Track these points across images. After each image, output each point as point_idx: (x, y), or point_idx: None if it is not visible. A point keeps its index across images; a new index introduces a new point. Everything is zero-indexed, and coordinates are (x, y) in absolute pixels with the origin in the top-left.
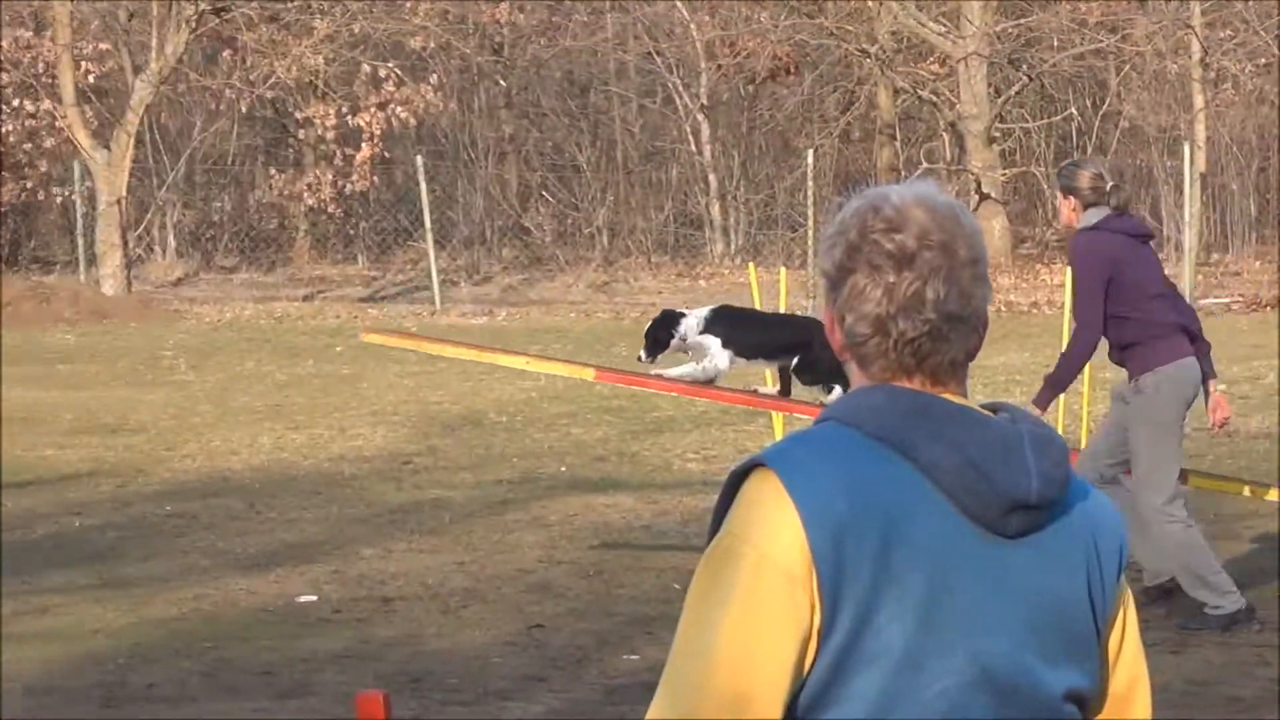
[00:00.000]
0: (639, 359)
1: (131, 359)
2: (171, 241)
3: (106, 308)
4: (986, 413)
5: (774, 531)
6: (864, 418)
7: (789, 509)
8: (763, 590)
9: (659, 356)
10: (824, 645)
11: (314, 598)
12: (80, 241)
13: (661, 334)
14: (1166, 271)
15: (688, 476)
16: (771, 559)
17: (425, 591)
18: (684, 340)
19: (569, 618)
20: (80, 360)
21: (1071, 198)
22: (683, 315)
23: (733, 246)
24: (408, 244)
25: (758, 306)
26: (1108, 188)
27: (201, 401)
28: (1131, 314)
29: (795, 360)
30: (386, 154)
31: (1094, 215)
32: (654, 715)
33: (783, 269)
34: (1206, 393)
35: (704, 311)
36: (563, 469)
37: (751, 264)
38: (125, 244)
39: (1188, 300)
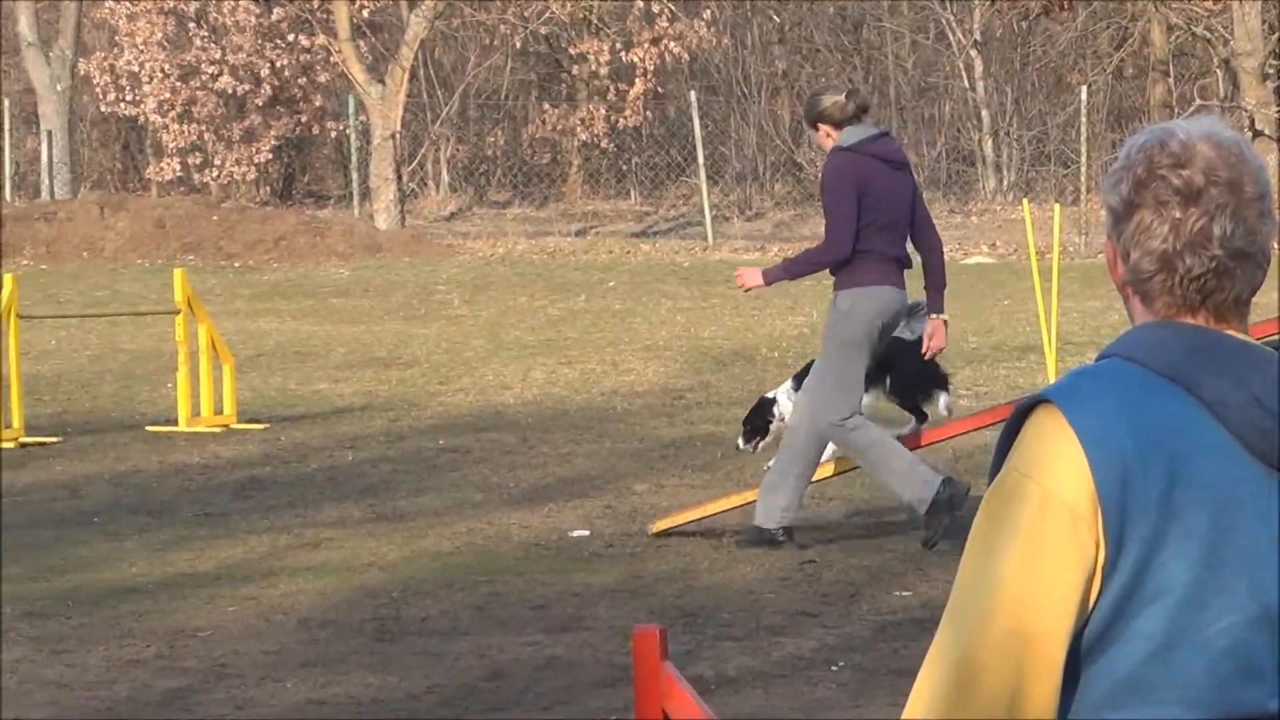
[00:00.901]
0: (736, 449)
1: (404, 293)
2: (445, 176)
3: (380, 242)
4: (1269, 350)
5: (1059, 468)
6: (1148, 354)
7: (1074, 446)
8: (1048, 527)
9: (761, 443)
10: (1107, 583)
11: (586, 532)
12: (354, 176)
13: (759, 421)
14: None
15: (960, 411)
16: (1057, 496)
17: (697, 527)
18: (784, 420)
19: (840, 553)
20: (354, 294)
21: (821, 125)
22: (773, 400)
23: (1005, 183)
24: (680, 179)
25: (1030, 242)
26: (851, 107)
27: (474, 336)
28: (858, 235)
29: (887, 383)
30: (659, 89)
31: (851, 135)
32: (937, 650)
33: (1056, 205)
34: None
35: (787, 383)
36: None
37: (1025, 200)
38: (399, 179)
39: None
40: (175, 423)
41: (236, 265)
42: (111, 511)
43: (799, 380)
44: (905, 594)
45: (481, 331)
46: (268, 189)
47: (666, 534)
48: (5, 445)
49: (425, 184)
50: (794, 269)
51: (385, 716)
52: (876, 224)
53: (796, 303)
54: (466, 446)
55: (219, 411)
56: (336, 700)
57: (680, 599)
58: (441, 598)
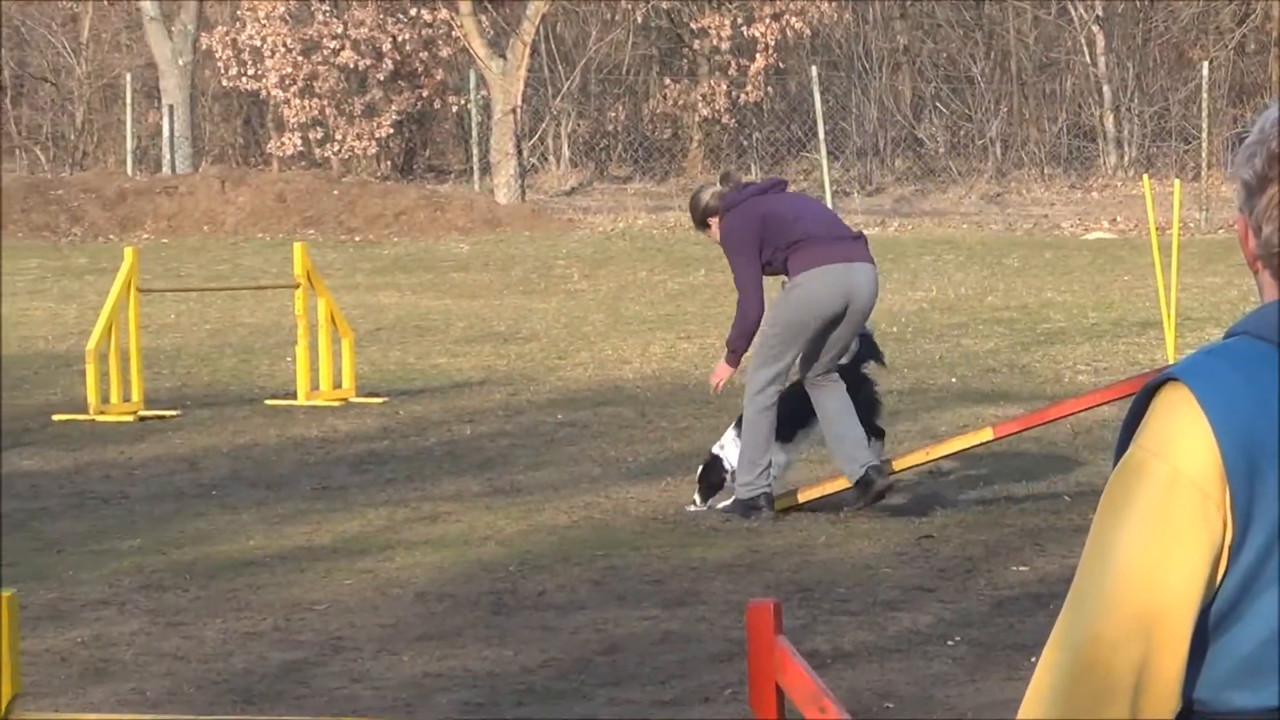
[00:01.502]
0: (692, 507)
1: (524, 268)
2: (565, 151)
3: (500, 217)
4: None
5: (1187, 446)
6: (1277, 331)
7: (1202, 424)
8: (1175, 506)
9: (715, 501)
10: (1234, 563)
11: (704, 507)
12: (474, 151)
13: (713, 479)
14: None
15: (1078, 388)
16: (1185, 474)
17: (815, 501)
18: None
19: (958, 528)
20: (473, 269)
21: (709, 220)
22: (719, 454)
23: (1126, 158)
24: (800, 154)
25: (1150, 218)
26: (717, 188)
27: (593, 310)
28: (785, 246)
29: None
30: (780, 64)
31: (727, 199)
32: (1061, 628)
33: (1176, 181)
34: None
35: (730, 432)
36: (953, 380)
37: (1145, 176)
38: (519, 153)
39: None
40: (294, 396)
41: (356, 240)
42: (229, 485)
43: (739, 425)
44: (1022, 569)
45: (601, 306)
46: (388, 164)
47: (785, 510)
48: (124, 418)
49: (545, 159)
50: (737, 344)
51: (501, 689)
52: (797, 236)
53: (916, 278)
54: (584, 421)
55: (338, 385)
56: (452, 673)
57: (796, 573)
58: (558, 571)
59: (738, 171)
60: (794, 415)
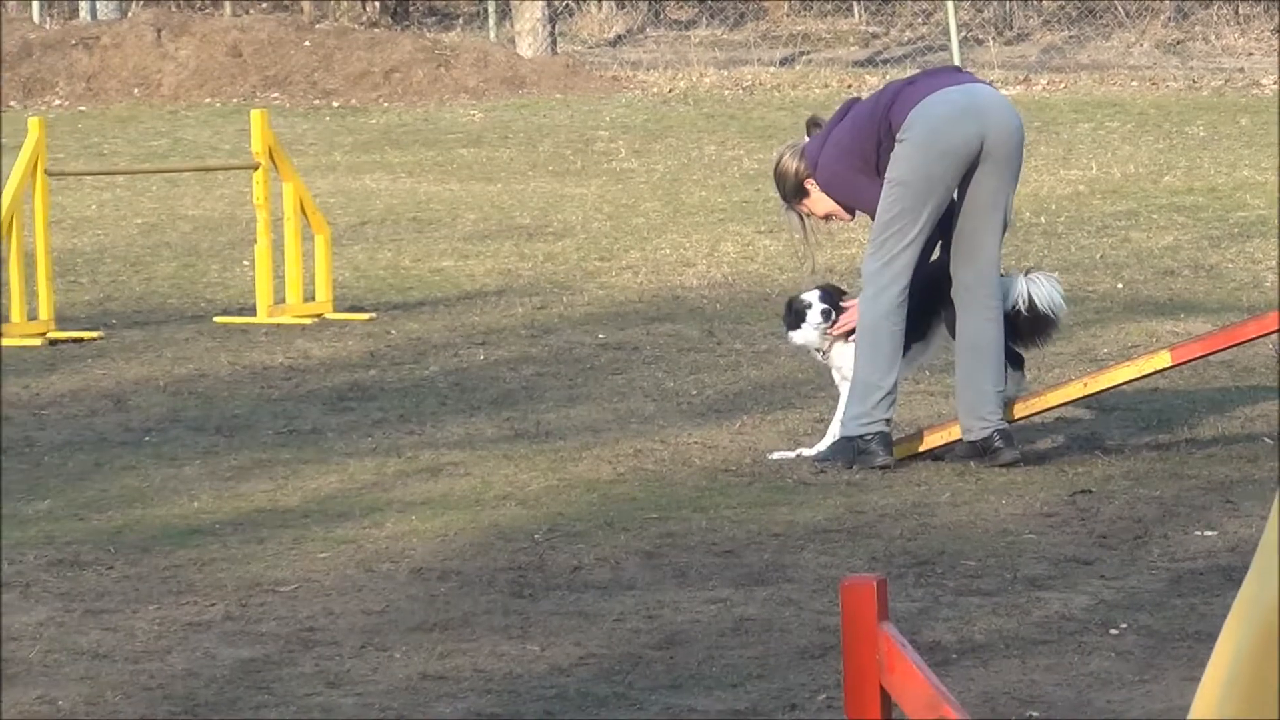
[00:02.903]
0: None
1: (555, 141)
2: None
3: (523, 74)
4: None
5: None
6: None
7: None
8: None
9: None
10: None
11: (791, 454)
12: None
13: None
14: None
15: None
16: None
17: (939, 448)
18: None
19: (1124, 482)
20: (489, 143)
21: (807, 183)
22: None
23: None
24: None
25: None
26: (798, 143)
27: (646, 197)
28: (885, 115)
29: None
30: None
31: (813, 159)
32: (1247, 593)
33: None
34: None
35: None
36: (1119, 286)
37: None
38: None
39: None
40: (252, 312)
41: (335, 105)
42: (167, 429)
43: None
44: (1209, 534)
45: (656, 192)
46: (376, 5)
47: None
48: (29, 342)
49: None
50: None
51: (523, 695)
52: (889, 99)
53: (1070, 152)
54: (635, 342)
55: (309, 298)
56: (459, 675)
57: (912, 542)
58: (599, 541)
59: (822, 119)
60: (914, 316)
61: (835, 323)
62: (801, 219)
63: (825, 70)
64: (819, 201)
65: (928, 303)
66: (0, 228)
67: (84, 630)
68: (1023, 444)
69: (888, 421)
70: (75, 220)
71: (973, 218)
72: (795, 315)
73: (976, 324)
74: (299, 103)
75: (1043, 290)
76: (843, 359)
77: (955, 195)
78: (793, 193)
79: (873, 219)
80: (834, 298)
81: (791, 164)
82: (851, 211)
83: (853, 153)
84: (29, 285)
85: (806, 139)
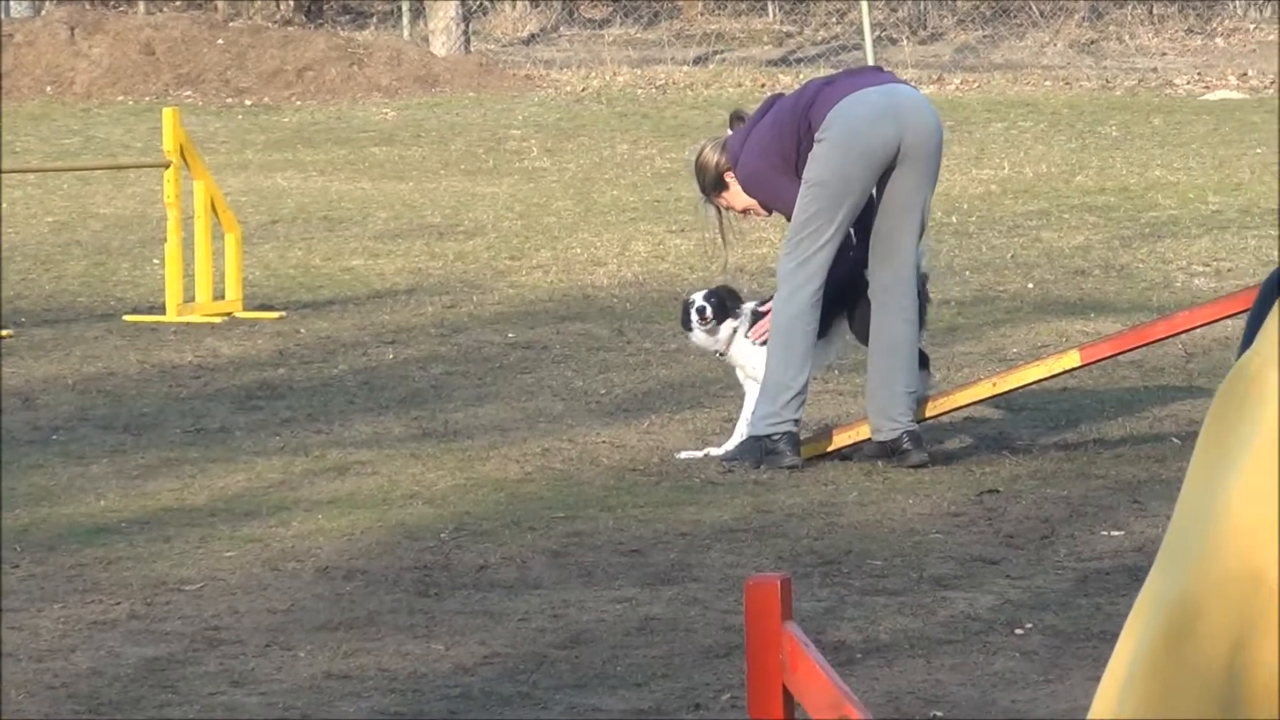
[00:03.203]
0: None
1: (467, 140)
2: None
3: (436, 73)
4: None
5: None
6: None
7: None
8: None
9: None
10: None
11: (699, 454)
12: None
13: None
14: None
15: (1194, 295)
16: None
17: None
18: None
19: (1031, 481)
20: (401, 142)
21: (727, 176)
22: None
23: None
24: None
25: None
26: (720, 138)
27: (558, 196)
28: (804, 113)
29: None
30: None
31: (734, 153)
32: (1148, 591)
33: None
34: None
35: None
36: (1030, 285)
37: None
38: None
39: None
40: (162, 311)
41: (248, 104)
42: (75, 427)
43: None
44: (1115, 534)
45: (568, 191)
46: (290, 3)
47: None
48: None
49: None
50: None
51: (427, 694)
52: (809, 99)
53: (983, 152)
54: (544, 341)
55: (219, 296)
56: (363, 674)
57: (819, 541)
58: (505, 540)
59: (745, 112)
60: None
61: (718, 322)
62: (719, 213)
63: (739, 69)
64: (737, 196)
65: (834, 303)
66: None
67: None
68: (931, 444)
69: (796, 422)
70: None
71: (890, 218)
72: (683, 314)
73: (893, 324)
74: (211, 101)
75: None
76: (744, 358)
77: (874, 195)
78: (712, 185)
79: (789, 219)
80: (720, 297)
81: (712, 157)
82: (769, 209)
83: (772, 151)
84: None
85: (729, 132)
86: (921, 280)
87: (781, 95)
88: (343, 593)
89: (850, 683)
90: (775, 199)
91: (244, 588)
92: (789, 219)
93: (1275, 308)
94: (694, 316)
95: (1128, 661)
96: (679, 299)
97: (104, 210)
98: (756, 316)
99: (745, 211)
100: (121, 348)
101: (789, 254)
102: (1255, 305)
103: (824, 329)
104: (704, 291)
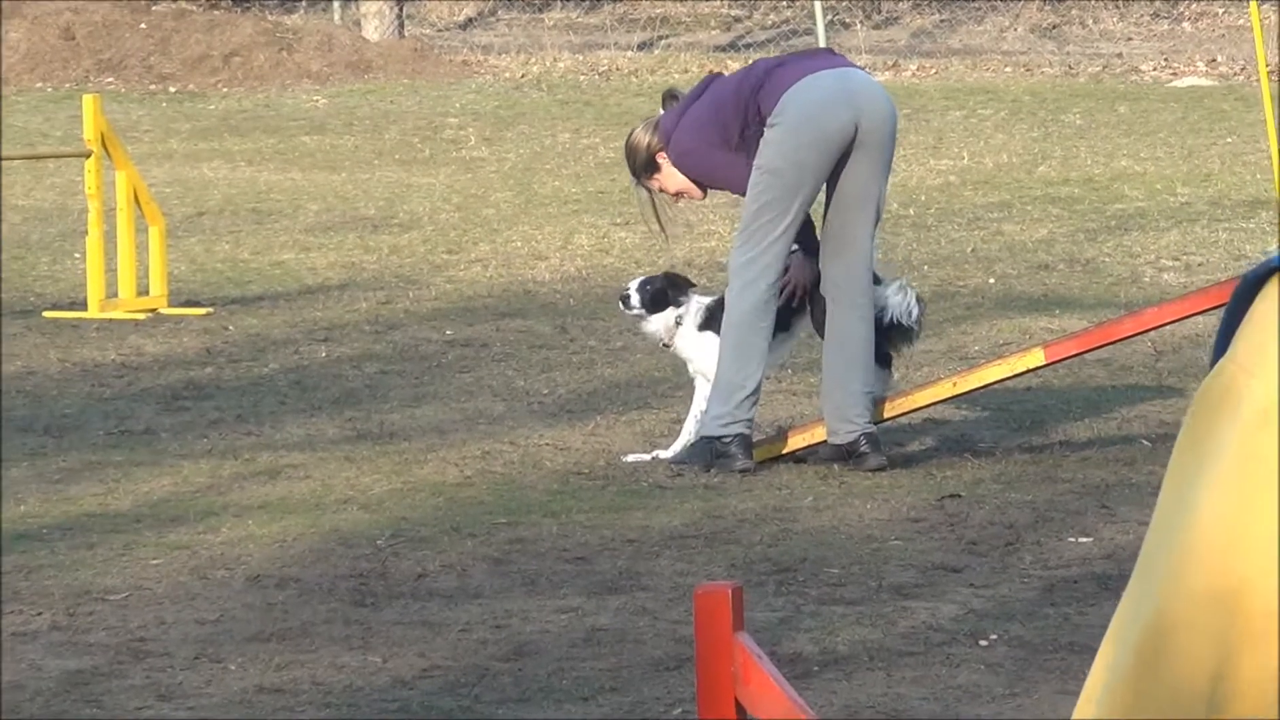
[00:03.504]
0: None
1: (402, 129)
2: None
3: (369, 58)
4: None
5: None
6: None
7: None
8: (1270, 446)
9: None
10: None
11: (647, 456)
12: None
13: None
14: None
15: (1163, 290)
16: None
17: (802, 450)
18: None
19: (995, 485)
20: (332, 131)
21: (659, 157)
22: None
23: None
24: None
25: (1261, 59)
26: (651, 118)
27: (497, 187)
28: (750, 98)
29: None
30: None
31: (667, 132)
32: (1123, 609)
33: None
34: None
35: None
36: (991, 280)
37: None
38: None
39: None
40: (83, 306)
41: (172, 91)
42: None
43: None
44: (1083, 540)
45: (507, 181)
46: None
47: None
48: None
49: None
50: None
51: (364, 708)
52: (756, 80)
53: (941, 141)
54: (484, 339)
55: (143, 292)
56: (297, 687)
57: (773, 548)
58: (445, 547)
59: (679, 91)
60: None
61: (650, 311)
62: (651, 196)
63: (685, 55)
64: (670, 177)
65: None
66: None
67: None
68: (889, 446)
69: (749, 423)
70: None
71: (844, 210)
72: (621, 302)
73: (848, 322)
74: (134, 88)
75: (900, 302)
76: (690, 350)
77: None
78: (643, 167)
79: (733, 193)
80: (657, 284)
81: (644, 138)
82: (704, 189)
83: (710, 129)
84: None
85: (661, 112)
86: (919, 313)
87: (719, 75)
88: (275, 602)
89: (806, 696)
90: (712, 175)
91: (171, 597)
92: (733, 193)
93: (1247, 317)
94: (620, 302)
95: (1103, 682)
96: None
97: (22, 202)
98: (707, 311)
99: (678, 195)
100: (41, 345)
101: (741, 246)
102: (1230, 304)
103: (780, 324)
104: (642, 278)
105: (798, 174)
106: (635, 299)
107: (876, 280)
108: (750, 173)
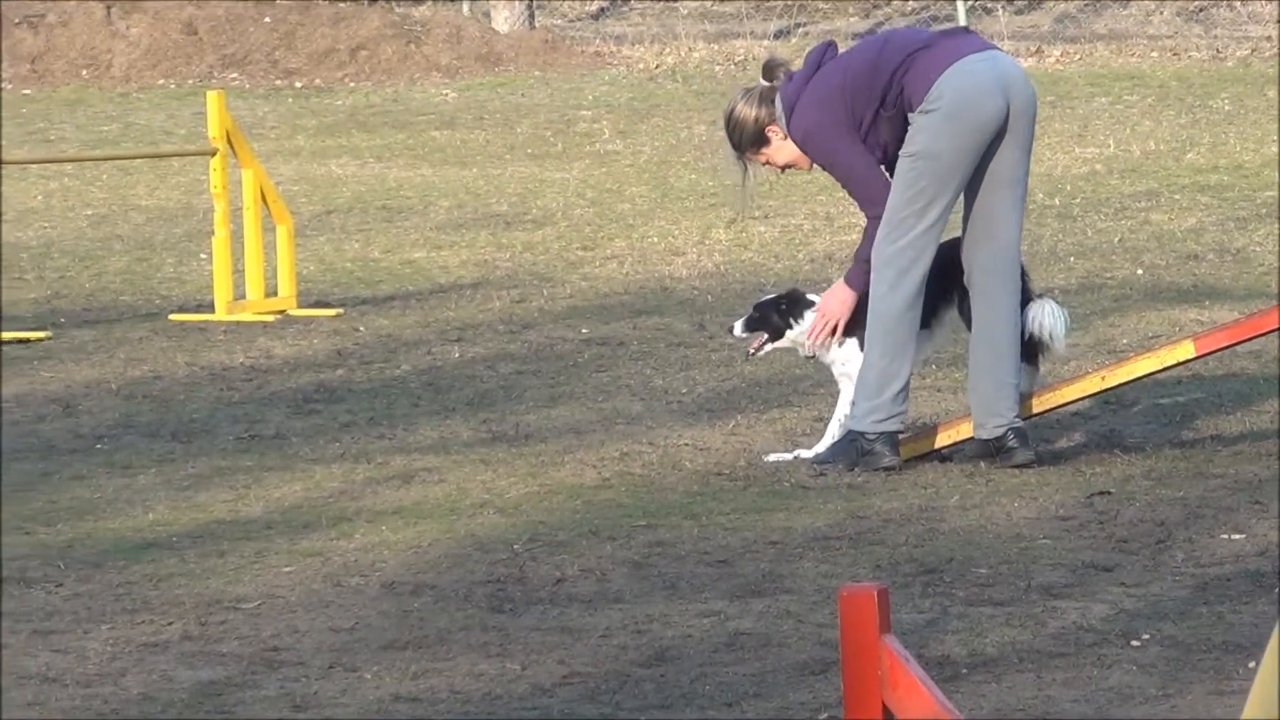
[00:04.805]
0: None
1: (534, 122)
2: None
3: (500, 51)
4: None
5: None
6: None
7: None
8: None
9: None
10: None
11: (789, 456)
12: None
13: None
14: None
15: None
16: None
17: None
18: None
19: (1145, 482)
20: (463, 125)
21: (770, 130)
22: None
23: None
24: None
25: None
26: (756, 87)
27: (632, 181)
28: (889, 82)
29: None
30: None
31: (789, 104)
32: None
33: None
34: None
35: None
36: (1139, 271)
37: None
38: None
39: None
40: (211, 309)
41: (298, 86)
42: (120, 435)
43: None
44: (1236, 537)
45: (642, 175)
46: None
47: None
48: None
49: None
50: (865, 252)
51: (504, 717)
52: (897, 61)
53: (1086, 129)
54: (620, 337)
55: (272, 293)
56: (434, 696)
57: (919, 549)
58: (583, 551)
59: (783, 60)
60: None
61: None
62: (747, 170)
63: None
64: (779, 151)
65: (938, 287)
66: None
67: (32, 652)
68: (1037, 442)
69: (902, 417)
70: (20, 212)
71: (991, 195)
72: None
73: (994, 312)
74: (259, 83)
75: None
76: (835, 353)
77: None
78: (751, 141)
79: (842, 178)
80: (765, 309)
81: (750, 111)
82: (823, 166)
83: (838, 103)
84: None
85: (763, 83)
86: (1065, 331)
87: (833, 44)
88: (410, 609)
89: (955, 699)
90: (833, 157)
91: (304, 605)
92: (842, 179)
93: None
94: (729, 332)
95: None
96: (770, 289)
97: (146, 202)
98: None
99: (786, 168)
100: (168, 349)
101: (889, 234)
102: None
103: (926, 317)
104: (764, 299)
105: (955, 160)
106: (740, 329)
107: (1024, 279)
108: (867, 157)
